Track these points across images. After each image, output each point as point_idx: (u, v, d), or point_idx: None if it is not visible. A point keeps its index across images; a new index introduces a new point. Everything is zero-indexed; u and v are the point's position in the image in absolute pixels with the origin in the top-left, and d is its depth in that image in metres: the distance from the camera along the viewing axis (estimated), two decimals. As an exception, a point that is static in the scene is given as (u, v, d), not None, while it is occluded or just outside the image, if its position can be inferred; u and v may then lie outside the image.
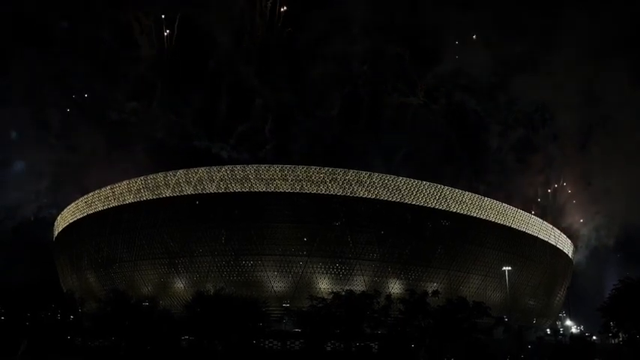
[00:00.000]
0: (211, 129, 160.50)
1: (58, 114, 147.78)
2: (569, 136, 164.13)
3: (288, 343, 74.49)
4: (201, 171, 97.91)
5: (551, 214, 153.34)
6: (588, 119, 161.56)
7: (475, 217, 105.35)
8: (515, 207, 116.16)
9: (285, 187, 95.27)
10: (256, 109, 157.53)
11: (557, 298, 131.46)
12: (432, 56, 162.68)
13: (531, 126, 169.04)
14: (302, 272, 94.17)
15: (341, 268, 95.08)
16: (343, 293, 72.89)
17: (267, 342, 74.00)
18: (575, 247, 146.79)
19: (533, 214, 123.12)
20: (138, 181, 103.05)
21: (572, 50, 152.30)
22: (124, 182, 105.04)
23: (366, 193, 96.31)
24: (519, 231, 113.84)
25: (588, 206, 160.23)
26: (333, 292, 74.15)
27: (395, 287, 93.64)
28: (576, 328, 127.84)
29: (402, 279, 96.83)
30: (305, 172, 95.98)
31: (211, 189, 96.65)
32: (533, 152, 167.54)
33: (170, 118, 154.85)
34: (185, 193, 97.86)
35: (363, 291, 77.68)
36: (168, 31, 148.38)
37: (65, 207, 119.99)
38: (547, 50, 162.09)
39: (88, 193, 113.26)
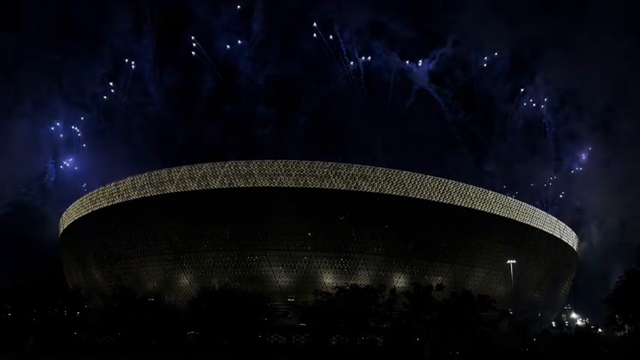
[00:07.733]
0: (195, 112, 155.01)
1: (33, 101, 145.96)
2: (591, 118, 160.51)
3: (294, 337, 74.52)
4: (205, 167, 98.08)
5: (557, 205, 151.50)
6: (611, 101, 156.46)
7: (479, 210, 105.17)
8: (519, 200, 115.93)
9: (288, 182, 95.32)
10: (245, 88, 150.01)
11: (562, 291, 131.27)
12: (440, 34, 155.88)
13: (549, 108, 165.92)
14: (306, 267, 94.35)
15: (345, 263, 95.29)
16: (348, 287, 72.91)
17: (272, 336, 74.14)
18: (580, 239, 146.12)
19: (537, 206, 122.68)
20: (142, 178, 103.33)
21: (602, 27, 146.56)
22: (128, 179, 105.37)
23: (370, 187, 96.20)
24: (524, 224, 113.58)
25: (600, 196, 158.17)
26: (337, 287, 74.22)
27: (399, 281, 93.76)
28: (581, 321, 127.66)
29: (406, 273, 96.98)
30: (309, 167, 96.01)
31: (215, 184, 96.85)
32: (547, 138, 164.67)
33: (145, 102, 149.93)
34: (189, 189, 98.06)
35: (368, 285, 77.53)
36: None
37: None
38: (573, 28, 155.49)
39: (87, 189, 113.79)
